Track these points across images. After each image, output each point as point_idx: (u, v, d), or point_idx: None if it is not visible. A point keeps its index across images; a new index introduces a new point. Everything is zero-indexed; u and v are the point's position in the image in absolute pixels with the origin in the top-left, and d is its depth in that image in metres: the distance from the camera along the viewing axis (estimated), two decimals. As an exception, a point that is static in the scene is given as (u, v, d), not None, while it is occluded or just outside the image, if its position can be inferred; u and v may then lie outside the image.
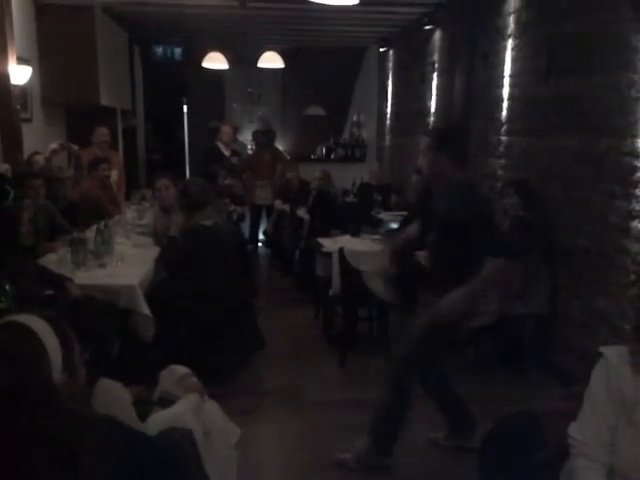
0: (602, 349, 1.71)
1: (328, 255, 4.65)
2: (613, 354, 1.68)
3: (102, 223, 4.14)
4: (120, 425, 1.36)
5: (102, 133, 6.01)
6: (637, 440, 1.57)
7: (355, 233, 5.10)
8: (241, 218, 6.72)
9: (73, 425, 1.25)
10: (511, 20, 4.94)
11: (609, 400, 1.64)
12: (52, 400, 1.24)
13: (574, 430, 1.69)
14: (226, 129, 7.22)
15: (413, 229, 3.25)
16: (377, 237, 5.02)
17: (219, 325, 3.83)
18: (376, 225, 6.07)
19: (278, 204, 7.25)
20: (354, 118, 9.83)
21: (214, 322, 3.80)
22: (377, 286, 4.25)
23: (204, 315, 3.74)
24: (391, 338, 4.42)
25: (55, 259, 3.74)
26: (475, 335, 4.14)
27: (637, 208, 3.40)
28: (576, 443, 1.68)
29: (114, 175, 5.95)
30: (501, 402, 3.49)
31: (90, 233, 4.06)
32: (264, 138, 7.94)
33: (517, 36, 4.85)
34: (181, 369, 2.13)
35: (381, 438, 2.92)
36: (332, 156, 9.52)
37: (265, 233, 8.09)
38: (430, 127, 6.12)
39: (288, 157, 8.47)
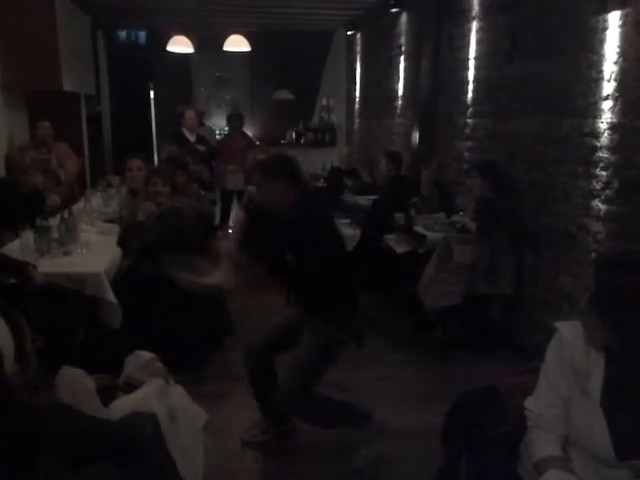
0: (557, 324, 1.75)
1: (297, 239, 4.64)
2: (566, 328, 1.72)
3: (66, 211, 4.06)
4: (74, 413, 1.35)
5: (44, 127, 5.76)
6: (590, 410, 1.62)
7: (324, 217, 5.10)
8: (213, 203, 6.73)
9: (24, 415, 1.23)
10: (475, 2, 4.96)
11: (563, 373, 1.68)
12: (5, 391, 1.22)
13: (530, 403, 1.74)
14: (190, 114, 7.11)
15: None
16: (346, 221, 5.04)
17: (188, 311, 3.81)
18: (346, 209, 6.09)
19: (252, 189, 7.20)
20: (323, 102, 9.80)
21: (182, 308, 3.78)
22: None
23: (172, 301, 3.72)
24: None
25: (18, 248, 3.67)
26: (443, 315, 4.22)
27: (598, 187, 3.47)
28: (532, 415, 1.72)
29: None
30: (468, 380, 3.54)
31: (54, 221, 3.99)
32: (239, 122, 7.89)
33: (481, 18, 4.88)
34: (146, 354, 2.12)
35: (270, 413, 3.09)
36: (302, 141, 9.49)
37: (235, 219, 8.06)
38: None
39: (257, 142, 8.43)
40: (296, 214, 2.68)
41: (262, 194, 2.87)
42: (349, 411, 2.93)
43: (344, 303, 2.83)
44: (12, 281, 3.14)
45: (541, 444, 1.67)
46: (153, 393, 1.85)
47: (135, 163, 4.49)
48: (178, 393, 2.05)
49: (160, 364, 2.08)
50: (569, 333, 1.70)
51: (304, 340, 2.76)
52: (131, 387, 1.94)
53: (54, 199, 4.96)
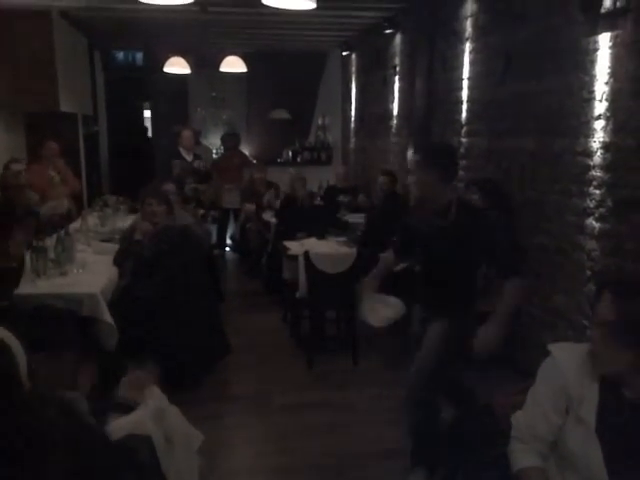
0: (550, 347, 1.73)
1: (294, 258, 4.66)
2: (560, 352, 1.70)
3: (62, 231, 4.07)
4: (79, 425, 1.36)
5: (51, 147, 5.90)
6: (584, 436, 1.60)
7: (321, 236, 5.13)
8: (214, 221, 6.81)
9: (35, 429, 1.24)
10: (468, 24, 5.03)
11: (554, 399, 1.66)
12: (23, 405, 1.23)
13: (515, 419, 1.75)
14: (186, 134, 7.14)
15: (389, 258, 3.07)
16: (342, 239, 5.05)
17: (184, 331, 3.81)
18: (342, 227, 6.11)
19: (249, 207, 7.23)
20: (319, 121, 9.89)
21: (179, 328, 3.78)
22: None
23: (168, 321, 3.72)
24: (358, 339, 4.47)
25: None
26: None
27: (591, 206, 3.50)
28: (514, 429, 1.74)
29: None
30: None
31: (50, 241, 3.99)
32: (233, 141, 7.94)
33: (474, 39, 4.94)
34: (141, 374, 2.11)
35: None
36: (298, 159, 9.56)
37: (232, 238, 8.07)
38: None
39: (254, 161, 8.48)
40: (459, 215, 2.59)
41: (416, 182, 2.72)
42: (434, 446, 2.77)
43: (474, 301, 2.81)
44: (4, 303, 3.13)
45: (521, 455, 1.68)
46: (149, 415, 1.84)
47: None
48: (174, 414, 2.04)
49: (141, 374, 2.05)
50: (563, 358, 1.68)
51: (428, 337, 2.76)
52: (125, 408, 1.92)
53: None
